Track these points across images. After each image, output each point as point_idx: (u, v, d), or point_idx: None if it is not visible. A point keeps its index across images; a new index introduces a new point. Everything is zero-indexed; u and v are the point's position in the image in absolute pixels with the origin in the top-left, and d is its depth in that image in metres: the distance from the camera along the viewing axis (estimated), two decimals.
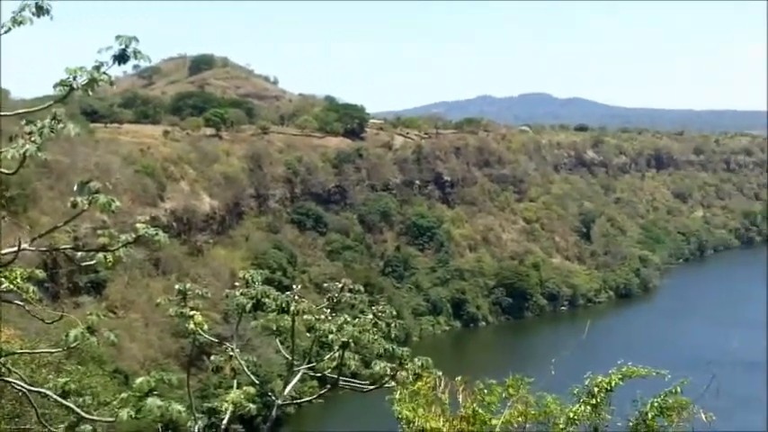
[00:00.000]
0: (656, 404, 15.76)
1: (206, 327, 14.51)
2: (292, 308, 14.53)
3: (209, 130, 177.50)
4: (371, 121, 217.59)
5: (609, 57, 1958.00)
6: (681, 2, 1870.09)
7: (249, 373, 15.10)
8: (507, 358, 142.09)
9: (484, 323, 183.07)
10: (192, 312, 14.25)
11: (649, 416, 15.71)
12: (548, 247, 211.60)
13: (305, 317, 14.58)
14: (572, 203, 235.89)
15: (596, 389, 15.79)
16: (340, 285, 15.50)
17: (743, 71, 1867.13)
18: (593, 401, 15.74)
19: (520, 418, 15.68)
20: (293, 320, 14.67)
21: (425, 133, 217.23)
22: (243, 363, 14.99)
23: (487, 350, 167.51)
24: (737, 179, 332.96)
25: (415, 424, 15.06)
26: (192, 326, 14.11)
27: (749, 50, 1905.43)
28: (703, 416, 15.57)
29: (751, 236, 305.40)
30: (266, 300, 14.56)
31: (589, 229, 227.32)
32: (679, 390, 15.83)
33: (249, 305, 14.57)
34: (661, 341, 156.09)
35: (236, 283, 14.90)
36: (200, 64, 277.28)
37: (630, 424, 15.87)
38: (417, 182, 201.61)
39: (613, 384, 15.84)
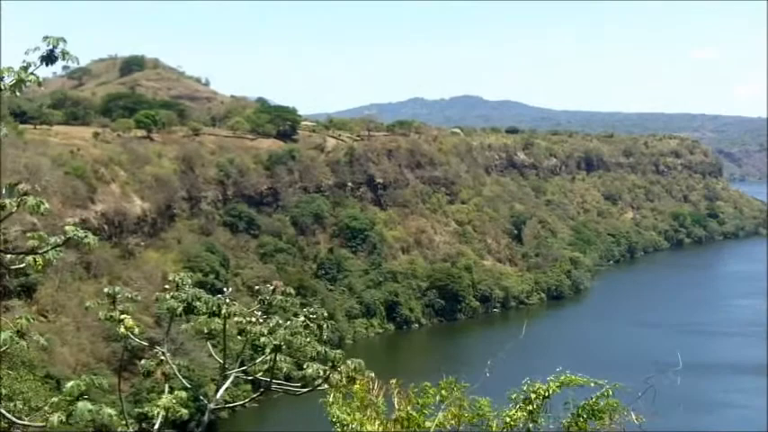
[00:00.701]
0: (587, 406, 15.83)
1: (137, 330, 14.30)
2: (223, 311, 14.37)
3: (140, 132, 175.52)
4: (303, 122, 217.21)
5: (539, 60, 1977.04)
6: (611, 3, 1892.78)
7: (181, 377, 14.91)
8: (440, 360, 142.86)
9: (417, 325, 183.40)
10: (122, 316, 14.05)
11: (581, 419, 15.77)
12: (480, 248, 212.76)
13: (236, 320, 14.42)
14: (503, 205, 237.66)
15: (533, 395, 15.82)
16: (272, 288, 15.36)
17: (672, 74, 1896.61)
18: (530, 407, 15.76)
19: (453, 421, 15.67)
20: (225, 324, 14.50)
21: (358, 135, 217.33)
22: (174, 367, 14.78)
23: (421, 353, 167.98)
24: (666, 181, 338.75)
25: (350, 427, 14.96)
26: (122, 330, 13.91)
27: (679, 54, 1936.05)
28: (634, 418, 15.66)
29: (680, 237, 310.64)
30: (197, 303, 14.37)
31: (520, 231, 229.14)
32: (610, 392, 15.88)
33: (180, 308, 14.37)
34: (591, 343, 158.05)
35: (167, 286, 14.69)
36: (131, 65, 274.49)
37: (563, 426, 15.88)
38: (350, 184, 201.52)
39: (551, 392, 15.87)
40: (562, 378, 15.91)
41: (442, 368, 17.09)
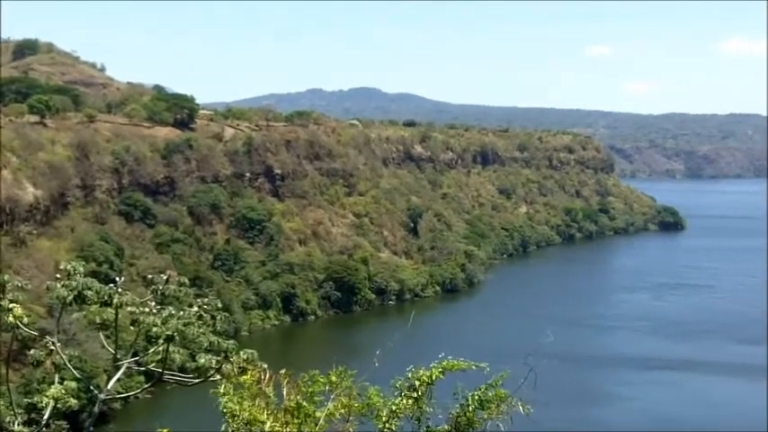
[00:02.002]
0: (476, 397, 15.99)
1: (26, 320, 14.19)
2: (115, 300, 14.33)
3: (34, 118, 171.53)
4: (201, 111, 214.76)
5: (437, 53, 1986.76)
6: (505, 1, 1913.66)
7: (72, 367, 14.83)
8: (335, 352, 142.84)
9: (313, 317, 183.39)
10: (11, 305, 13.93)
11: (470, 409, 15.93)
12: (376, 241, 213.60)
13: (129, 310, 14.39)
14: (400, 198, 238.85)
15: (417, 382, 15.94)
16: (165, 277, 15.33)
17: (566, 71, 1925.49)
18: (415, 395, 15.89)
19: (343, 411, 15.79)
20: (117, 313, 14.46)
21: (256, 125, 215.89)
22: (65, 357, 14.71)
23: (316, 344, 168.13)
24: (559, 176, 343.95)
25: (240, 417, 14.98)
26: (11, 319, 13.79)
27: (572, 51, 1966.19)
28: (521, 408, 15.88)
29: (572, 232, 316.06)
30: (88, 292, 14.29)
31: (416, 224, 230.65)
32: (499, 383, 16.08)
33: (70, 297, 14.27)
34: (483, 335, 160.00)
35: (58, 275, 14.58)
36: (24, 49, 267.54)
37: (451, 416, 16.01)
38: (248, 174, 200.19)
39: (434, 377, 16.00)
40: (444, 363, 16.07)
41: (334, 358, 17.16)
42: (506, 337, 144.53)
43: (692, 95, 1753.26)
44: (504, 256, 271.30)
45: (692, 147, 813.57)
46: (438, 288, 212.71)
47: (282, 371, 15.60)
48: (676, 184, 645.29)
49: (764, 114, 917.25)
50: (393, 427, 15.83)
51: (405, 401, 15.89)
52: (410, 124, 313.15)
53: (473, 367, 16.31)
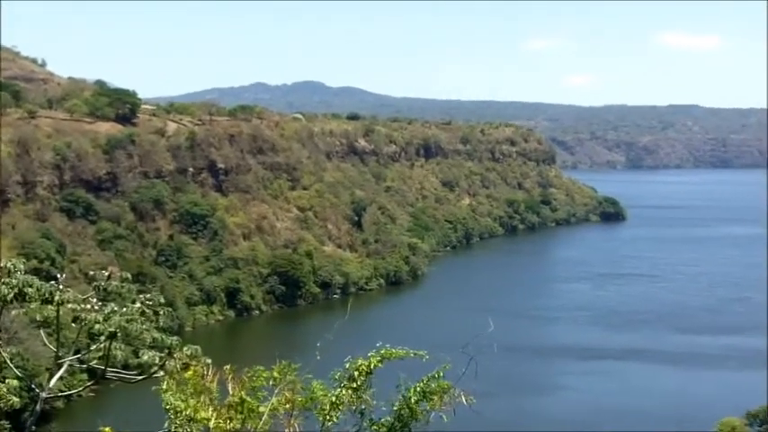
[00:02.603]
0: (418, 389, 16.05)
1: None
2: (57, 297, 14.27)
3: None
4: (144, 106, 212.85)
5: (379, 47, 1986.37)
6: None
7: (13, 366, 14.77)
8: (280, 347, 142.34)
9: (258, 312, 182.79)
10: None
11: (412, 400, 15.97)
12: (320, 235, 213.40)
13: (71, 307, 14.33)
14: (344, 191, 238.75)
15: (356, 372, 15.99)
16: (107, 274, 15.29)
17: (508, 63, 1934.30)
18: (354, 385, 15.95)
19: (287, 405, 15.80)
20: (58, 310, 14.40)
21: (199, 120, 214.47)
22: (6, 355, 14.66)
23: (261, 339, 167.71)
24: (501, 168, 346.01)
25: (183, 413, 14.89)
26: None
27: (513, 44, 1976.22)
28: (464, 399, 15.96)
29: (514, 224, 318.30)
30: (29, 289, 14.23)
31: (360, 218, 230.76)
32: (441, 374, 16.12)
33: (11, 295, 14.21)
34: (427, 326, 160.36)
35: None
36: None
37: (395, 408, 16.06)
38: (191, 169, 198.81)
39: (373, 366, 16.03)
40: (383, 352, 16.11)
41: (276, 353, 17.20)
42: (449, 329, 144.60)
43: (632, 87, 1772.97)
44: (448, 248, 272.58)
45: (632, 138, 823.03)
46: (382, 281, 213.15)
47: (226, 367, 15.57)
48: (617, 174, 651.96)
49: (703, 105, 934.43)
50: (335, 420, 15.86)
51: (345, 392, 15.90)
52: (353, 118, 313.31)
53: (411, 355, 16.36)
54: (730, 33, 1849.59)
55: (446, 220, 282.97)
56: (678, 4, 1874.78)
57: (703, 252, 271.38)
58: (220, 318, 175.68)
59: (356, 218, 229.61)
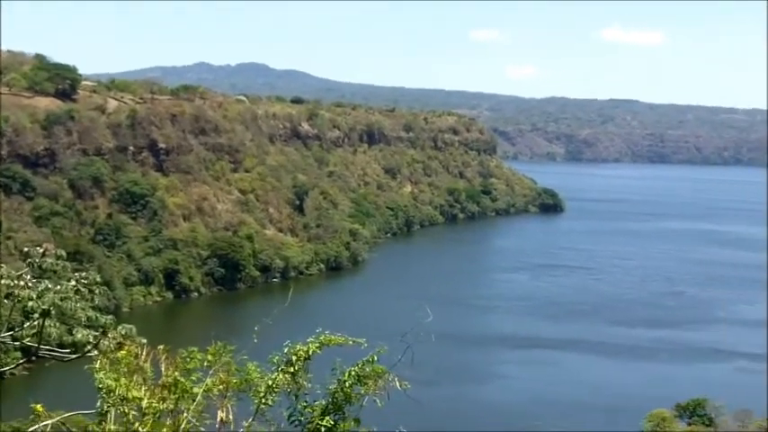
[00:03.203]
0: (353, 372, 15.99)
1: None
2: None
3: None
4: (84, 82, 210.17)
5: (325, 31, 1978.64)
6: None
7: None
8: (217, 328, 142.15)
9: (196, 294, 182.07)
10: None
11: (347, 384, 15.91)
12: (262, 218, 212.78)
13: (4, 282, 14.24)
14: (286, 175, 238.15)
15: (295, 357, 16.04)
16: (42, 251, 15.17)
17: (452, 53, 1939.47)
18: (292, 369, 15.97)
19: (221, 387, 15.87)
20: None
21: (141, 98, 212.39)
22: None
23: (198, 321, 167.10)
24: (443, 157, 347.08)
25: (116, 393, 14.91)
26: None
27: (459, 34, 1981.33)
28: (398, 384, 15.88)
29: (455, 213, 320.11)
30: None
31: (302, 202, 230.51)
32: (376, 358, 16.08)
33: None
34: (365, 313, 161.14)
35: None
36: None
37: (329, 392, 16.02)
38: (131, 148, 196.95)
39: (311, 352, 16.11)
40: (322, 338, 16.18)
41: (212, 334, 17.24)
42: (388, 316, 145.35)
43: (574, 81, 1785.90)
44: (389, 235, 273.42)
45: (572, 131, 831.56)
46: (323, 266, 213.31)
47: (160, 347, 15.60)
48: (556, 166, 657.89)
49: (643, 101, 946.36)
50: (270, 403, 15.90)
51: (282, 376, 15.96)
52: (297, 101, 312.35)
53: (350, 342, 16.42)
54: (673, 30, 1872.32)
55: (387, 207, 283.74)
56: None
57: (639, 246, 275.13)
58: (158, 299, 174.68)
59: (298, 202, 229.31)
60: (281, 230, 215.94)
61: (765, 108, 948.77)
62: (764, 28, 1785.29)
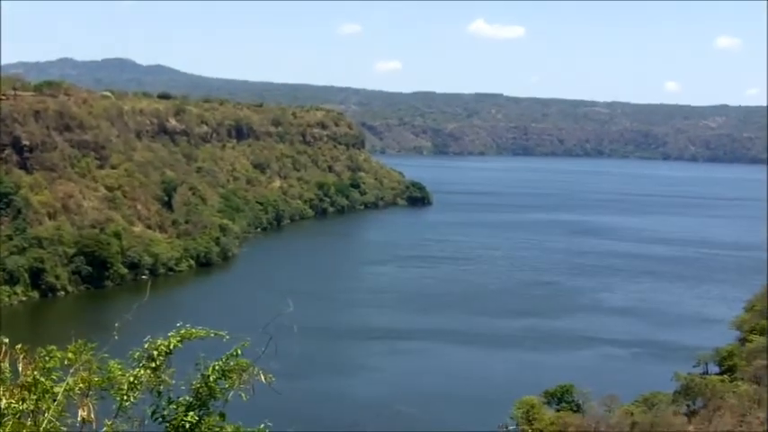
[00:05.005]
0: (217, 367, 15.93)
1: None
2: None
3: None
4: None
5: (190, 25, 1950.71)
6: None
7: None
8: (83, 327, 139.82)
9: (63, 293, 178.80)
10: None
11: (211, 379, 15.84)
12: (130, 215, 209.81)
13: None
14: (154, 171, 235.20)
15: (156, 352, 15.91)
16: None
17: (321, 47, 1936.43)
18: (154, 365, 15.85)
19: (83, 385, 15.78)
20: None
21: (3, 95, 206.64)
22: None
23: (64, 320, 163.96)
24: (312, 151, 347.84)
25: None
26: None
27: (326, 28, 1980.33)
28: (263, 377, 15.90)
29: (324, 207, 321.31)
30: None
31: (171, 198, 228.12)
32: (239, 352, 16.01)
33: None
34: (233, 307, 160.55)
35: None
36: None
37: (193, 387, 15.88)
38: None
39: (172, 347, 16.00)
40: (183, 332, 16.07)
41: (72, 332, 17.24)
42: (255, 310, 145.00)
43: (440, 75, 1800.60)
44: (259, 229, 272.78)
45: (438, 125, 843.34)
46: (192, 262, 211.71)
47: (18, 346, 15.42)
48: (424, 160, 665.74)
49: (507, 94, 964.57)
50: (133, 400, 15.73)
51: (144, 372, 15.83)
52: (165, 97, 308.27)
53: (212, 335, 16.32)
54: (535, 24, 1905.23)
55: (257, 202, 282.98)
56: None
57: (505, 237, 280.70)
58: (24, 298, 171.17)
59: (166, 198, 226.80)
60: (149, 227, 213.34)
61: (625, 101, 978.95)
62: (623, 22, 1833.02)
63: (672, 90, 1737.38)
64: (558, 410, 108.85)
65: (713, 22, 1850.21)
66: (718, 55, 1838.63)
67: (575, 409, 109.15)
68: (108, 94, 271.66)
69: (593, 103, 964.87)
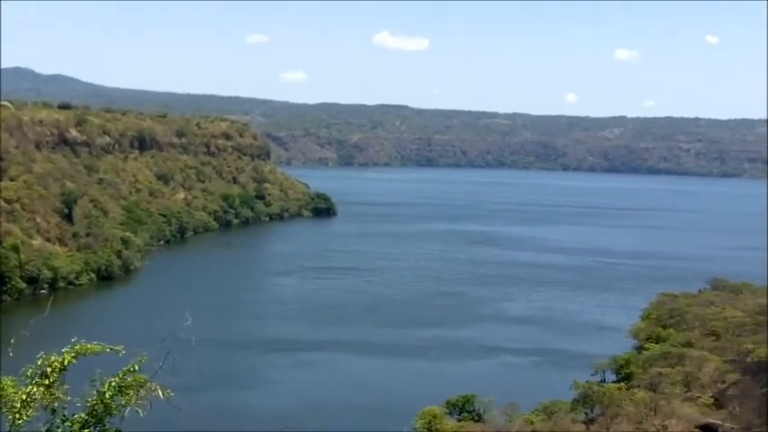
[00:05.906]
0: (114, 383, 15.68)
1: None
2: None
3: None
4: None
5: (92, 33, 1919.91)
6: None
7: None
8: None
9: None
10: None
11: (107, 395, 15.59)
12: (28, 228, 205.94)
13: None
14: (54, 183, 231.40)
15: (50, 369, 15.64)
16: None
17: (226, 57, 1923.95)
18: (47, 382, 15.60)
19: None
20: None
21: None
22: None
23: None
24: (217, 162, 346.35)
25: None
26: None
27: (236, 38, 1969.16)
28: (161, 393, 15.74)
29: (229, 218, 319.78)
30: None
31: (71, 210, 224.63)
32: (137, 368, 15.81)
33: None
34: (132, 322, 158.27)
35: None
36: None
37: (88, 404, 15.63)
38: None
39: (66, 363, 15.75)
40: (77, 347, 15.86)
41: None
42: (155, 324, 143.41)
43: (345, 86, 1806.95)
44: (162, 242, 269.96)
45: (343, 136, 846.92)
46: (93, 276, 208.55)
47: None
48: (329, 171, 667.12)
49: (411, 106, 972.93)
50: (26, 418, 15.44)
51: (37, 389, 15.55)
52: (65, 107, 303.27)
53: (107, 350, 16.09)
54: (438, 37, 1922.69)
55: (160, 214, 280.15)
56: (390, 5, 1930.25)
57: (408, 247, 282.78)
58: None
59: (67, 210, 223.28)
60: (48, 240, 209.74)
61: (525, 112, 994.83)
62: (525, 35, 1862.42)
63: (571, 102, 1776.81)
64: (459, 420, 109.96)
65: (612, 34, 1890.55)
66: (616, 67, 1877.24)
67: (476, 418, 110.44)
68: (6, 104, 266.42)
69: (495, 115, 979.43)
